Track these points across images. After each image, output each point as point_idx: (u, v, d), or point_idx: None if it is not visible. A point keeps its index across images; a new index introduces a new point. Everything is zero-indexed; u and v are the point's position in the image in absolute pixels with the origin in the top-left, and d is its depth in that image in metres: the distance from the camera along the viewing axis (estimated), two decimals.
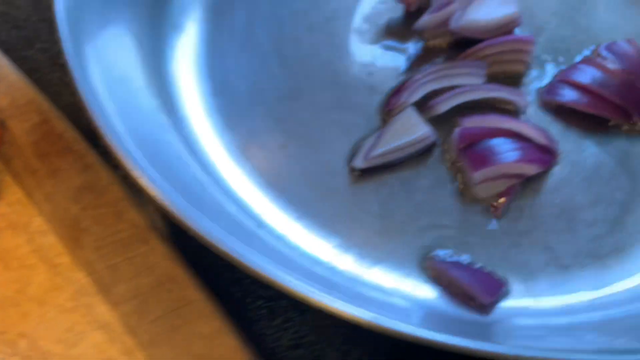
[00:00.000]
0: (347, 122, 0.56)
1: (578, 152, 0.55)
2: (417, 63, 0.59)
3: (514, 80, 0.59)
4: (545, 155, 0.54)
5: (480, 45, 0.58)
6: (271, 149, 0.54)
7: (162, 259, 0.46)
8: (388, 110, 0.55)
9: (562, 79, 0.58)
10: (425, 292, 0.48)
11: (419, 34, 0.60)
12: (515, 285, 0.49)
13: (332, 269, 0.48)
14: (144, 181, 0.40)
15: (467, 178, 0.52)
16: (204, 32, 0.60)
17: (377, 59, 0.60)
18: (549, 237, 0.51)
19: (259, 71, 0.58)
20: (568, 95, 0.57)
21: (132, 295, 0.44)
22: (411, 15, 0.61)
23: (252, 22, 0.61)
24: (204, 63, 0.58)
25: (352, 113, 0.56)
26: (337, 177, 0.53)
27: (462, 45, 0.59)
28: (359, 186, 0.53)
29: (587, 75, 0.57)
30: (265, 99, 0.57)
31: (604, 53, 0.60)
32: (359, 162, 0.52)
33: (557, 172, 0.54)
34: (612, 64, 0.58)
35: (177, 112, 0.54)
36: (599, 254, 0.51)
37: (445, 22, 0.59)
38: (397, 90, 0.56)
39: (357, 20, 0.62)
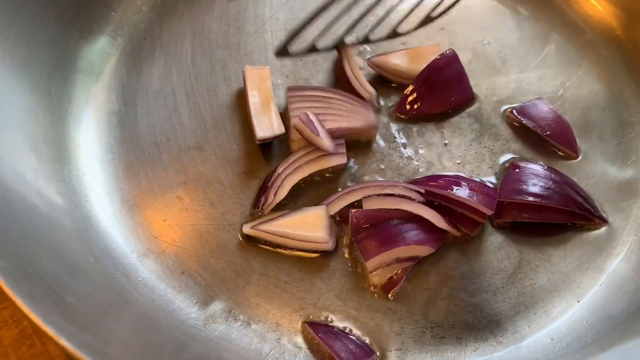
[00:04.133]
0: (247, 177, 0.56)
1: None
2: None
3: None
4: (438, 234, 0.53)
5: (442, 192, 0.54)
6: (167, 200, 0.55)
7: None
8: (257, 210, 0.54)
9: (507, 200, 0.54)
10: (293, 355, 0.49)
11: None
12: (389, 356, 0.49)
13: (204, 329, 0.49)
14: None
15: (363, 264, 0.52)
16: (120, 78, 0.61)
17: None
18: (428, 307, 0.51)
19: (169, 120, 0.59)
20: (521, 215, 0.54)
21: None
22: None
23: (170, 70, 0.62)
24: (115, 110, 0.59)
25: (256, 169, 0.57)
26: (227, 233, 0.54)
27: None
28: (246, 244, 0.53)
29: (528, 188, 0.54)
30: (170, 148, 0.57)
31: (519, 116, 0.61)
32: (246, 228, 0.53)
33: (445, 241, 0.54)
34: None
35: (72, 160, 0.55)
36: (476, 325, 0.51)
37: None
38: (263, 188, 0.55)
39: (277, 74, 0.62)
